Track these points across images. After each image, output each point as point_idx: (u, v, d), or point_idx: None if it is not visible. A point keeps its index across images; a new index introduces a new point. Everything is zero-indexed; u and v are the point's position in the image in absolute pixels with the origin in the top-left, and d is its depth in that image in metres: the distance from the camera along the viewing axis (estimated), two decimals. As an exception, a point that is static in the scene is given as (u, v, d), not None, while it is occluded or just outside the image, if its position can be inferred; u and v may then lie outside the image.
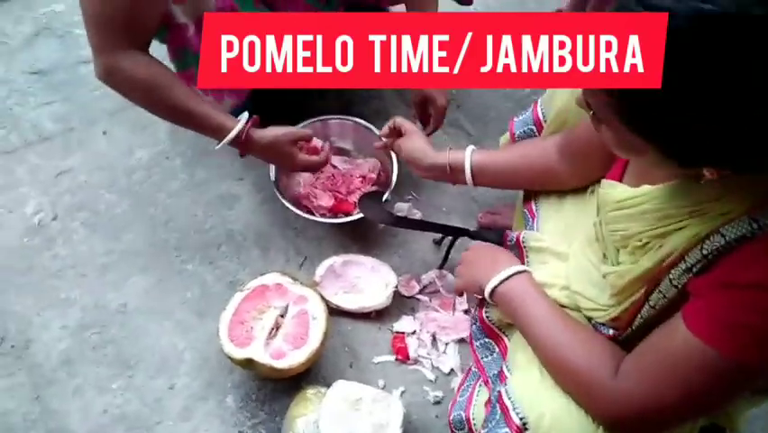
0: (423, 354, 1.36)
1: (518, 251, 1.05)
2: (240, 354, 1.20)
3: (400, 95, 1.74)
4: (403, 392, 1.32)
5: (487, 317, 1.02)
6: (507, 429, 0.80)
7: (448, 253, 1.40)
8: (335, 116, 1.54)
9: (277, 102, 1.46)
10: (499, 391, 0.84)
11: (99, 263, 1.46)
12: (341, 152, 1.56)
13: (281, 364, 1.20)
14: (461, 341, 1.38)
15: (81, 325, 1.38)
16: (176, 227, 1.52)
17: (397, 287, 1.39)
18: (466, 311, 1.41)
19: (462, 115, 1.76)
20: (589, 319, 0.90)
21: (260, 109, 1.35)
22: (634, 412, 0.72)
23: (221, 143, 1.26)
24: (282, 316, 1.26)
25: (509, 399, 0.81)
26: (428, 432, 1.27)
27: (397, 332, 1.38)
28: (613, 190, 0.80)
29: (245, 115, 1.27)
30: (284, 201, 1.41)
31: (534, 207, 1.13)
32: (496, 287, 0.94)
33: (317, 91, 1.41)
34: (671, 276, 0.72)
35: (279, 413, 1.27)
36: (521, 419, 0.78)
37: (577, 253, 0.94)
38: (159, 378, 1.32)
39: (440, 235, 1.47)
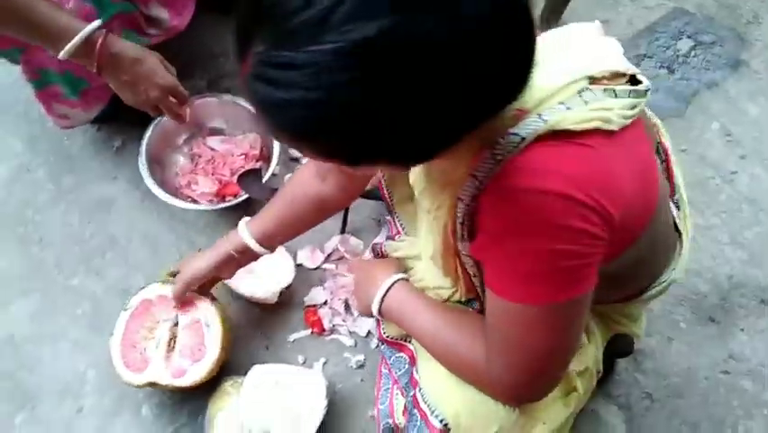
0: (338, 321, 1.35)
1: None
2: (140, 379, 1.14)
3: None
4: (324, 363, 1.30)
5: (384, 333, 1.03)
6: None
7: (345, 216, 1.38)
8: (201, 95, 1.44)
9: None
10: (414, 396, 0.86)
11: (-27, 297, 1.34)
12: (215, 132, 1.48)
13: (184, 382, 1.14)
14: (374, 301, 1.37)
15: (-34, 365, 1.26)
16: (52, 243, 1.40)
17: (288, 287, 1.32)
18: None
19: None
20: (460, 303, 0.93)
21: (117, 103, 1.24)
22: (514, 387, 0.75)
23: (70, 45, 1.03)
24: (176, 325, 1.19)
25: (425, 403, 0.84)
26: (355, 397, 1.27)
27: (309, 306, 1.36)
28: (411, 174, 0.82)
29: (98, 21, 1.08)
30: (164, 195, 1.32)
31: (393, 218, 1.12)
32: (380, 305, 0.95)
33: (181, 70, 1.31)
34: (460, 248, 0.74)
35: (201, 412, 1.23)
36: (441, 421, 0.80)
37: (421, 249, 0.96)
38: (64, 403, 1.24)
39: None
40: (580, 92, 0.65)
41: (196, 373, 1.15)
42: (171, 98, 1.23)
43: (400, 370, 1.01)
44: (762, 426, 1.26)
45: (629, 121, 0.68)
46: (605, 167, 0.64)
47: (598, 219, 0.63)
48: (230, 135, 1.48)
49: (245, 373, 1.19)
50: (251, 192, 1.31)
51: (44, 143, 1.51)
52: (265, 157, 1.44)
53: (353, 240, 1.42)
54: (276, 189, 1.36)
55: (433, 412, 0.82)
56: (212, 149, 1.45)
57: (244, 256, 1.10)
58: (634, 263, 0.79)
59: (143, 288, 1.21)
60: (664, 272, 0.90)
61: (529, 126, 0.63)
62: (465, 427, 0.80)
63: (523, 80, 0.57)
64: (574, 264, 0.65)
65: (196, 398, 1.24)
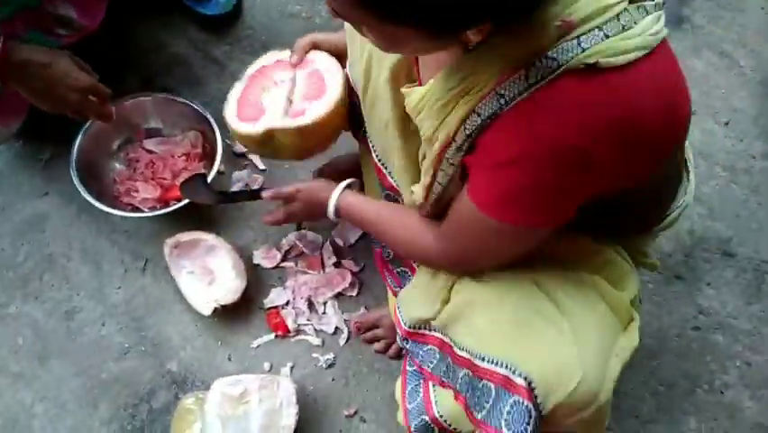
0: (303, 321, 1.28)
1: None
2: (256, 128, 1.02)
3: (207, 56, 1.56)
4: (292, 368, 1.24)
5: (404, 324, 0.98)
6: (516, 396, 0.77)
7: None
8: (133, 95, 1.35)
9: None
10: (474, 368, 0.82)
11: None
12: (152, 133, 1.38)
13: (305, 120, 1.01)
14: (338, 296, 1.31)
15: None
16: (-18, 270, 1.29)
17: (224, 305, 1.23)
18: (336, 264, 1.33)
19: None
20: None
21: (38, 112, 1.14)
22: (454, 262, 0.86)
23: None
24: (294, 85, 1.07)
25: (501, 366, 0.79)
26: (328, 398, 1.22)
27: (270, 307, 1.29)
28: (411, 97, 0.78)
29: None
30: (101, 206, 1.23)
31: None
32: (337, 204, 1.01)
33: (110, 71, 1.21)
34: (447, 155, 0.75)
35: (163, 434, 1.15)
36: (525, 378, 0.76)
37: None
38: (11, 443, 1.14)
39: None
40: (618, 15, 0.65)
41: (318, 109, 1.02)
42: (92, 98, 1.13)
43: (432, 362, 0.95)
44: (736, 378, 1.27)
45: (661, 37, 0.68)
46: (630, 106, 0.66)
47: (605, 168, 0.67)
48: (168, 136, 1.38)
49: (209, 388, 1.12)
50: (196, 198, 1.22)
51: (-36, 165, 1.39)
52: (209, 155, 1.35)
53: (311, 234, 1.35)
54: (223, 192, 1.29)
55: (514, 372, 0.77)
56: (150, 151, 1.35)
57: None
58: (660, 185, 0.82)
59: (260, 57, 1.12)
60: (678, 196, 0.91)
61: (567, 53, 0.63)
62: (552, 379, 0.76)
63: None
64: (556, 201, 0.71)
65: (158, 419, 1.17)
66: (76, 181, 1.25)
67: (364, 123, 1.03)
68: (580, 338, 0.78)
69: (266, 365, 1.23)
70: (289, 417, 1.10)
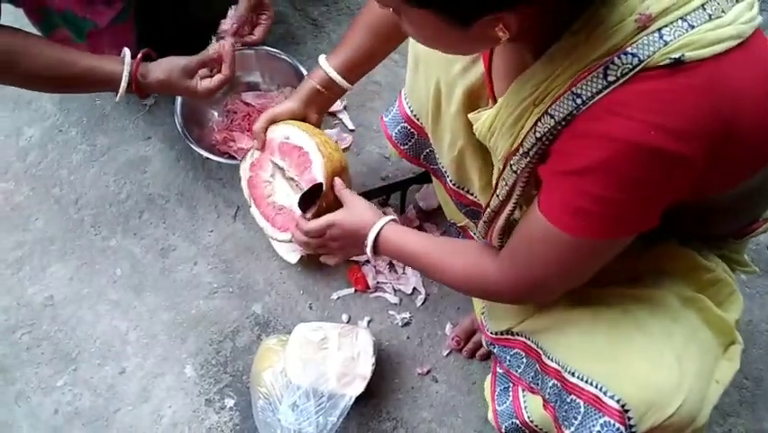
0: (382, 279, 1.31)
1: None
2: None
3: (306, 16, 1.60)
4: (370, 321, 1.27)
5: (489, 330, 0.98)
6: (606, 418, 0.73)
7: (403, 202, 1.35)
8: (239, 48, 1.38)
9: (168, 47, 1.30)
10: (565, 382, 0.79)
11: (11, 259, 1.32)
12: (250, 86, 1.43)
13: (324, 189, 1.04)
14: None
15: (7, 327, 1.25)
16: (88, 204, 1.38)
17: (309, 255, 1.21)
18: (418, 227, 1.35)
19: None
20: None
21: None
22: (518, 286, 0.77)
23: (119, 95, 1.10)
24: (281, 169, 1.12)
25: (590, 384, 0.75)
26: (402, 355, 1.24)
27: (352, 262, 1.31)
28: (480, 122, 0.75)
29: (126, 52, 1.10)
30: (201, 151, 1.28)
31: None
32: (375, 239, 0.93)
33: (215, 25, 1.26)
34: (511, 162, 0.71)
35: (245, 372, 1.21)
36: (618, 400, 0.72)
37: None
38: (106, 365, 1.22)
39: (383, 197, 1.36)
40: (704, 4, 0.59)
41: (317, 174, 1.04)
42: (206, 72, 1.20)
43: (520, 367, 0.93)
44: (829, 380, 1.21)
45: (756, 25, 0.62)
46: (722, 102, 0.59)
47: (688, 170, 0.60)
48: (266, 91, 1.43)
49: (290, 332, 1.16)
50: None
51: (75, 103, 1.47)
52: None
53: (394, 197, 1.37)
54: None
55: (606, 393, 0.73)
56: (247, 104, 1.40)
57: (327, 91, 1.09)
58: (760, 185, 0.74)
59: (240, 178, 1.17)
60: None
61: (648, 47, 0.57)
62: (650, 402, 0.71)
63: None
64: (633, 211, 0.64)
65: (241, 357, 1.22)
66: (179, 127, 1.30)
67: (422, 150, 1.05)
68: (683, 360, 0.74)
69: (344, 317, 1.26)
70: (366, 366, 1.12)
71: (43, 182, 1.40)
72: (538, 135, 0.66)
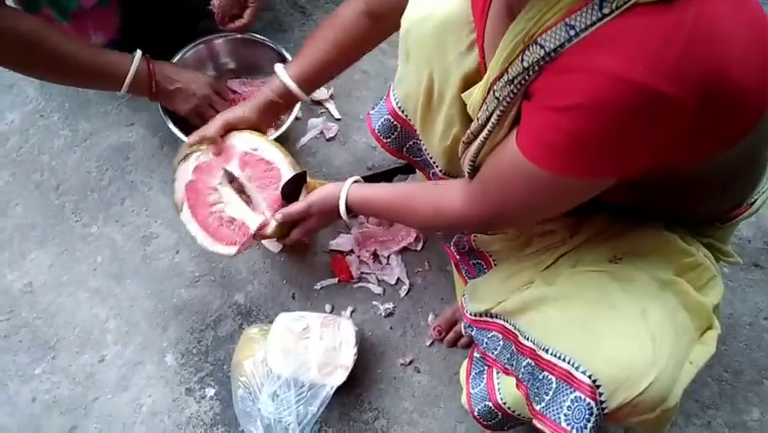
0: (366, 270, 1.30)
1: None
2: (246, 241, 1.05)
3: (294, 4, 1.58)
4: (353, 312, 1.26)
5: (468, 312, 0.98)
6: (577, 393, 0.74)
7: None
8: (221, 35, 1.38)
9: (151, 32, 1.29)
10: (538, 360, 0.79)
11: (-10, 245, 1.30)
12: (237, 73, 1.41)
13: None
14: (402, 250, 1.32)
15: (-16, 315, 1.23)
16: (69, 190, 1.36)
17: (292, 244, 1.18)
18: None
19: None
20: None
21: (134, 43, 1.18)
22: (486, 217, 0.80)
23: (124, 87, 1.11)
24: (231, 181, 1.10)
25: (563, 360, 0.75)
26: (384, 346, 1.23)
27: (336, 252, 1.31)
28: (472, 98, 0.74)
29: (138, 52, 1.11)
30: (185, 138, 1.26)
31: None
32: (346, 201, 0.99)
33: (198, 11, 1.24)
34: (494, 88, 0.69)
35: (226, 361, 1.20)
36: (589, 376, 0.72)
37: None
38: (85, 353, 1.21)
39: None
40: None
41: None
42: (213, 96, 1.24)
43: (496, 349, 0.93)
44: (808, 374, 1.22)
45: None
46: (710, 44, 0.56)
47: (676, 116, 0.58)
48: (253, 78, 1.41)
49: (272, 322, 1.15)
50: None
51: (57, 89, 1.45)
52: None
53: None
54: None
55: (578, 368, 0.73)
56: (234, 91, 1.38)
57: (284, 102, 1.10)
58: (748, 157, 0.73)
59: (174, 179, 1.11)
60: (762, 183, 0.84)
61: None
62: (621, 379, 0.71)
63: None
64: (610, 152, 0.62)
65: (222, 346, 1.21)
66: (163, 114, 1.29)
67: (405, 143, 1.05)
68: (657, 340, 0.74)
69: (327, 307, 1.26)
70: (348, 356, 1.12)
71: (24, 168, 1.38)
72: (525, 65, 0.63)
